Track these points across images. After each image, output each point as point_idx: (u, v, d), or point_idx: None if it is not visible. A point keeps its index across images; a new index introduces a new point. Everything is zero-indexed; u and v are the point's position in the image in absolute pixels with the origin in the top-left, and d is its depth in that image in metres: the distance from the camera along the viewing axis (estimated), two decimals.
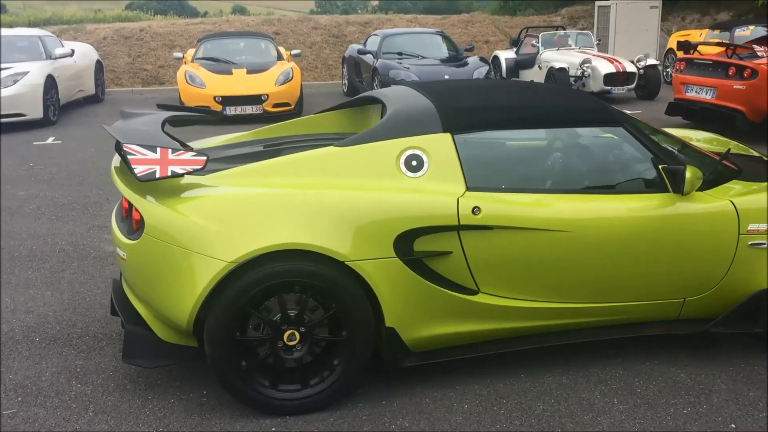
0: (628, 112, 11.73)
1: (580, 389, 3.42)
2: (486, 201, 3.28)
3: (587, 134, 3.78)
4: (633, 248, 3.41)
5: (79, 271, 5.03)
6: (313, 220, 3.11)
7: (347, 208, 3.17)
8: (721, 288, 3.55)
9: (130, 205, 3.25)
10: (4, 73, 10.87)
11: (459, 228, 3.24)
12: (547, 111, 3.72)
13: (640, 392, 3.38)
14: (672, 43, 16.05)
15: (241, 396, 3.20)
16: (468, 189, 3.31)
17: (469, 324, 3.38)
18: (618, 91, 12.94)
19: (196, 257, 3.06)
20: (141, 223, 3.16)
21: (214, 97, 11.42)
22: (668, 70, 15.30)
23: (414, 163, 3.34)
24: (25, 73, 10.98)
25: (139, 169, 3.07)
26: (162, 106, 4.20)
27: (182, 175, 3.13)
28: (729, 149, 3.92)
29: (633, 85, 13.02)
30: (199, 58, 12.78)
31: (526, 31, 15.46)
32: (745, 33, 13.53)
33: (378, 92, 4.12)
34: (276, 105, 11.62)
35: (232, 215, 3.11)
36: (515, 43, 15.56)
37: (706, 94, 9.27)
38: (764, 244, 3.51)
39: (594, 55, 13.47)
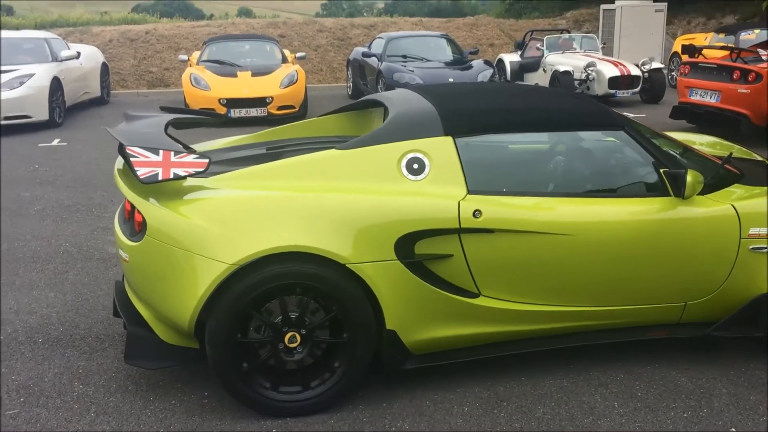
0: (633, 115, 11.75)
1: (580, 392, 3.42)
2: (487, 204, 3.29)
3: (589, 138, 3.79)
4: (634, 252, 3.42)
5: (82, 272, 5.06)
6: (315, 222, 3.13)
7: (348, 210, 3.18)
8: (722, 292, 3.55)
9: (133, 207, 3.27)
10: (10, 75, 10.92)
11: (460, 231, 3.25)
12: (549, 114, 3.73)
13: (640, 396, 3.38)
14: (677, 46, 16.04)
15: (242, 397, 3.21)
16: (469, 192, 3.32)
17: (470, 327, 3.39)
18: (622, 94, 12.94)
19: (198, 259, 3.07)
20: (143, 225, 3.17)
21: (219, 100, 11.45)
22: (673, 73, 15.29)
23: (415, 166, 3.35)
24: (31, 75, 11.05)
25: (142, 172, 3.09)
26: (165, 109, 4.23)
27: (184, 177, 3.15)
28: (731, 153, 3.92)
29: (638, 89, 13.01)
30: (204, 61, 12.83)
31: (531, 35, 15.47)
32: (751, 36, 13.50)
33: (380, 95, 4.14)
34: (280, 107, 11.65)
35: (233, 217, 3.12)
36: (520, 46, 15.57)
37: (711, 97, 9.26)
38: (765, 248, 3.50)
39: (599, 58, 13.47)
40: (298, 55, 14.24)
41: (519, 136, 3.84)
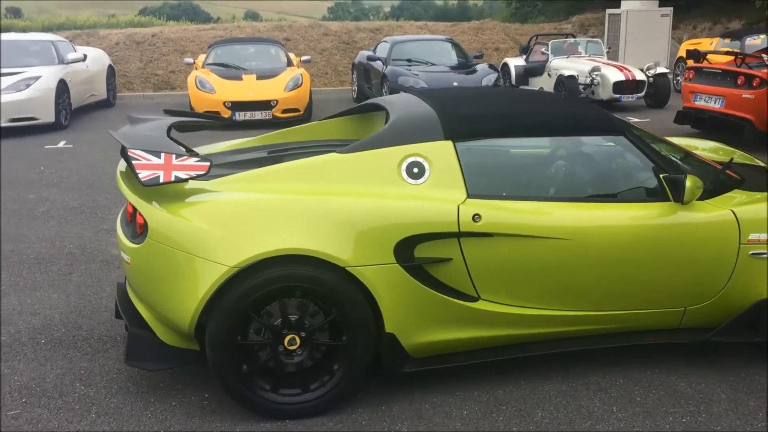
0: (637, 120, 11.76)
1: (579, 397, 3.43)
2: (486, 208, 3.30)
3: (589, 143, 3.80)
4: (633, 257, 3.42)
5: (86, 274, 5.09)
6: (315, 225, 3.15)
7: (349, 214, 3.20)
8: (722, 297, 3.55)
9: (135, 209, 3.29)
10: (17, 78, 10.98)
11: (459, 235, 3.26)
12: (549, 119, 3.74)
13: (639, 401, 3.39)
14: (683, 51, 16.02)
15: (242, 399, 3.23)
16: (469, 196, 3.33)
17: (469, 331, 3.40)
18: (627, 99, 12.92)
19: (199, 261, 3.09)
20: (145, 227, 3.20)
21: (224, 103, 11.49)
22: (678, 78, 15.27)
23: (415, 170, 3.37)
24: (37, 78, 11.10)
25: (144, 174, 3.11)
26: (169, 112, 4.25)
27: (186, 180, 3.17)
28: (732, 159, 3.93)
29: (642, 93, 13.00)
30: (210, 64, 12.87)
31: (536, 39, 15.47)
32: (756, 42, 13.47)
33: (382, 99, 4.16)
34: (285, 111, 11.68)
35: (234, 220, 3.14)
36: (525, 50, 15.57)
37: (715, 102, 9.26)
38: (765, 253, 3.51)
39: (603, 62, 13.47)
40: (303, 58, 14.26)
41: (519, 141, 3.86)
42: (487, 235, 3.29)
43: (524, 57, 15.26)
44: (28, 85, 10.91)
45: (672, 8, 18.27)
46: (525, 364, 3.64)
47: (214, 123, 4.53)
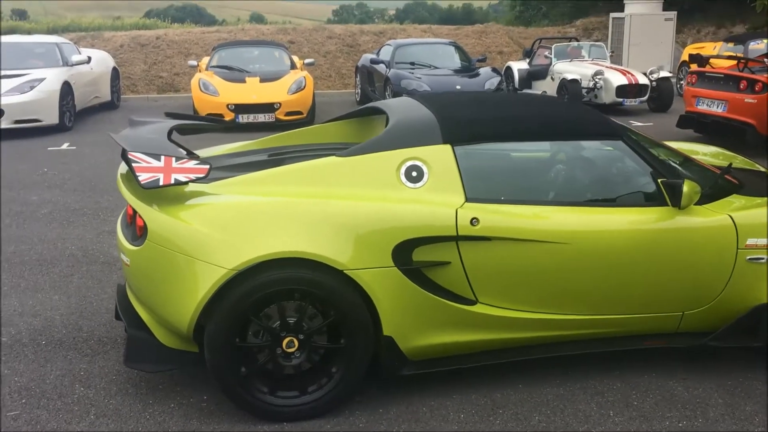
0: (640, 124, 11.76)
1: (576, 401, 3.43)
2: (485, 212, 3.31)
3: (587, 147, 3.81)
4: (631, 261, 3.43)
5: (87, 275, 5.11)
6: (313, 228, 3.16)
7: (347, 217, 3.21)
8: (719, 302, 3.56)
9: (135, 211, 3.31)
10: (21, 80, 11.04)
11: (457, 239, 3.28)
12: (547, 123, 3.76)
13: (636, 405, 3.40)
14: (686, 55, 16.01)
15: (240, 401, 3.24)
16: (467, 200, 3.35)
17: (467, 334, 3.41)
18: (630, 103, 12.92)
19: (198, 264, 3.11)
20: (144, 229, 3.22)
21: (227, 105, 11.52)
22: (682, 82, 15.26)
23: (414, 173, 3.38)
24: (41, 80, 11.15)
25: (143, 177, 3.13)
26: (170, 115, 4.28)
27: (185, 183, 3.19)
28: (731, 164, 3.93)
29: (645, 98, 13.00)
30: (213, 66, 12.92)
31: (540, 42, 15.48)
32: (760, 46, 13.46)
33: (382, 103, 4.18)
34: (288, 113, 11.71)
35: (233, 223, 3.16)
36: (528, 54, 15.58)
37: (717, 107, 9.26)
38: (763, 258, 3.51)
39: (606, 66, 13.47)
40: (307, 61, 14.30)
41: (517, 145, 3.87)
42: (485, 238, 3.30)
43: (527, 60, 15.28)
44: (32, 87, 10.96)
45: (676, 12, 18.27)
46: (523, 368, 3.65)
47: (216, 126, 4.55)
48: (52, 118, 11.12)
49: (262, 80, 12.11)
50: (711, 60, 10.01)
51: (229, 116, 11.46)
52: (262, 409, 3.25)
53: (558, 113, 3.93)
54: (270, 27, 22.61)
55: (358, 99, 15.14)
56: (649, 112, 13.28)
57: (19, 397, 3.48)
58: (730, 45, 14.08)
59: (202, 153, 4.28)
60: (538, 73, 14.49)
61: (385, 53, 13.91)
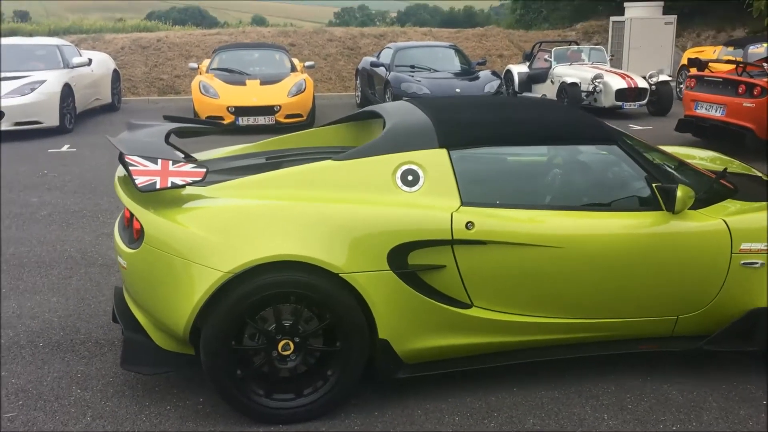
0: (639, 127, 11.77)
1: (571, 404, 3.45)
2: (480, 216, 3.33)
3: (582, 152, 3.83)
4: (625, 265, 3.45)
5: (85, 277, 5.13)
6: (309, 232, 3.18)
7: (343, 220, 3.23)
8: (714, 306, 3.57)
9: (132, 214, 3.33)
10: (22, 82, 11.07)
11: (453, 242, 3.29)
12: (542, 128, 3.77)
13: (630, 408, 3.41)
14: (686, 59, 16.03)
15: (236, 404, 3.25)
16: (463, 204, 3.36)
17: (463, 337, 3.43)
18: (629, 106, 12.95)
19: (194, 267, 3.13)
20: (141, 232, 3.23)
21: (228, 108, 11.55)
22: (681, 86, 15.28)
23: (410, 177, 3.40)
24: (42, 82, 11.19)
25: (140, 180, 3.15)
26: (168, 118, 4.30)
27: (182, 186, 3.21)
28: (725, 168, 3.95)
29: (645, 101, 13.02)
30: (214, 69, 12.95)
31: (540, 46, 15.51)
32: (759, 50, 13.48)
33: (379, 107, 4.20)
34: (288, 116, 11.74)
35: (229, 226, 3.18)
36: (528, 57, 15.61)
37: (716, 111, 9.27)
38: (757, 263, 3.53)
39: (606, 70, 13.50)
40: (307, 64, 14.34)
41: (513, 149, 3.88)
42: (481, 242, 3.31)
43: (527, 64, 15.31)
44: (33, 89, 11.00)
45: (676, 16, 18.30)
46: (518, 371, 3.67)
47: (214, 129, 4.57)
48: (52, 120, 11.15)
49: (263, 83, 12.14)
50: (710, 64, 10.03)
51: (229, 119, 11.49)
52: (258, 412, 3.27)
53: (553, 118, 3.95)
54: (271, 29, 22.64)
55: (358, 102, 15.17)
56: (649, 115, 13.30)
57: (16, 398, 3.50)
58: (730, 49, 14.10)
59: (200, 156, 4.30)
60: (538, 77, 14.52)
61: (386, 56, 13.95)
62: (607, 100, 12.87)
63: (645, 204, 3.56)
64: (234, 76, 12.47)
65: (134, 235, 3.31)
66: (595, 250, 3.41)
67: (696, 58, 10.19)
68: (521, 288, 3.41)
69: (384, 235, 3.24)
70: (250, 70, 12.95)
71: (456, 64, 13.69)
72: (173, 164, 3.24)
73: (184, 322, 3.14)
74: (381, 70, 13.36)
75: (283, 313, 3.23)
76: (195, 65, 14.32)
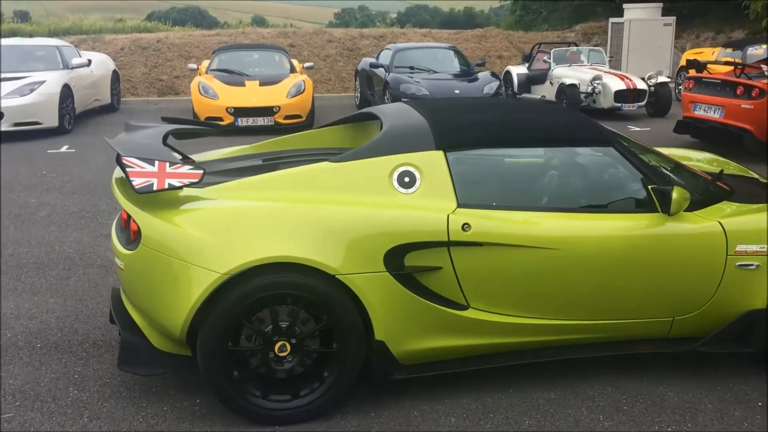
0: (638, 129, 11.79)
1: (567, 405, 3.46)
2: (476, 218, 3.34)
3: (579, 153, 3.84)
4: (621, 267, 3.46)
5: (83, 278, 5.14)
6: (306, 233, 3.19)
7: (339, 222, 3.24)
8: (709, 308, 3.58)
9: (129, 216, 3.34)
10: (22, 82, 11.09)
11: (449, 244, 3.30)
12: (538, 130, 3.79)
13: (626, 410, 3.42)
14: (685, 60, 16.05)
15: (233, 405, 3.26)
16: (459, 206, 3.37)
17: (459, 339, 3.44)
18: (628, 107, 12.97)
19: (191, 268, 3.13)
20: (138, 234, 3.24)
21: (227, 109, 11.56)
22: (680, 87, 15.29)
23: (407, 179, 3.41)
24: (41, 82, 11.20)
25: (137, 182, 3.16)
26: (166, 119, 4.31)
27: (179, 187, 3.22)
28: (722, 170, 3.96)
29: (643, 102, 13.04)
30: (213, 70, 12.95)
31: (539, 47, 15.52)
32: (758, 52, 13.49)
33: (376, 108, 4.21)
34: (287, 117, 11.74)
35: (226, 228, 3.19)
36: (527, 58, 15.62)
37: (714, 112, 9.29)
38: (753, 265, 3.54)
39: (605, 71, 13.52)
40: (306, 65, 14.35)
41: (509, 151, 3.89)
42: (477, 244, 3.32)
43: (527, 65, 15.32)
44: (32, 90, 11.01)
45: (675, 17, 18.32)
46: (514, 372, 3.68)
47: (212, 130, 4.57)
48: (51, 120, 11.16)
49: (262, 84, 12.15)
50: (708, 65, 10.05)
51: (228, 119, 11.50)
52: (255, 413, 3.28)
53: (549, 120, 3.96)
54: (270, 30, 22.65)
55: (357, 103, 15.18)
56: (648, 117, 13.31)
57: (14, 399, 3.51)
58: (729, 50, 14.11)
59: (198, 157, 4.31)
60: (537, 78, 14.54)
61: (385, 57, 13.95)
62: (606, 102, 12.89)
63: (641, 206, 3.57)
64: (233, 77, 12.48)
65: (131, 236, 3.32)
66: (591, 251, 3.42)
67: (694, 60, 10.21)
68: (517, 289, 3.42)
69: (380, 236, 3.25)
70: (250, 71, 12.96)
71: (455, 66, 13.70)
72: (170, 166, 3.25)
73: (181, 324, 3.14)
74: (380, 71, 13.37)
75: (280, 314, 3.24)
76: (194, 66, 14.33)
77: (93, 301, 4.71)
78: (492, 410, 3.41)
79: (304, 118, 11.94)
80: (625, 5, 18.82)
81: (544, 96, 14.02)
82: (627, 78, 13.13)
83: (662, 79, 13.35)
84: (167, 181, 3.19)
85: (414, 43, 17.76)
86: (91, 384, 3.64)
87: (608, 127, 3.94)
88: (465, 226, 3.30)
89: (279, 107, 11.65)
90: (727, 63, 9.95)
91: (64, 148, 10.35)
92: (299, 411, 3.30)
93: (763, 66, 9.56)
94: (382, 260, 3.24)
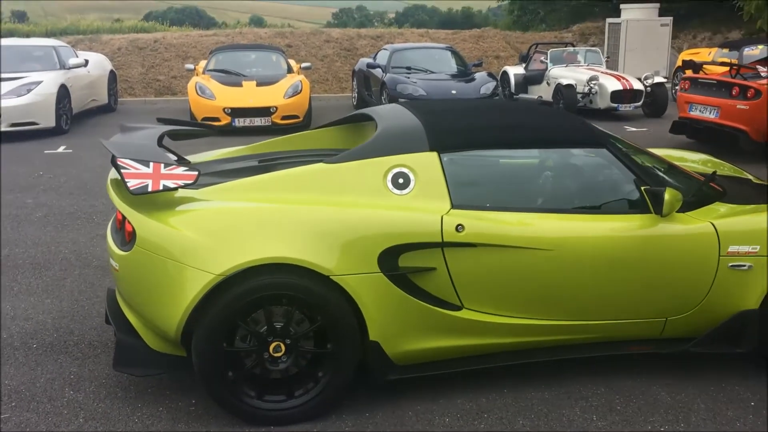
0: (634, 129, 11.81)
1: (561, 405, 3.47)
2: (470, 219, 3.36)
3: (572, 155, 3.85)
4: (614, 267, 3.47)
5: (79, 279, 5.15)
6: (300, 234, 3.20)
7: (334, 223, 3.25)
8: (702, 308, 3.60)
9: (124, 217, 3.35)
10: (18, 83, 11.09)
11: (443, 245, 3.32)
12: (532, 132, 3.80)
13: (619, 410, 3.43)
14: (681, 61, 16.08)
15: (228, 406, 3.28)
16: (453, 207, 3.39)
17: (453, 339, 3.45)
18: (625, 108, 13.00)
19: (186, 269, 3.15)
20: (133, 235, 3.25)
21: (224, 109, 11.56)
22: (677, 87, 15.31)
23: (401, 180, 3.42)
24: (38, 83, 11.20)
25: (132, 183, 3.17)
26: (162, 120, 4.32)
27: (174, 189, 3.23)
28: (715, 171, 3.98)
29: (640, 103, 13.07)
30: (210, 70, 12.96)
31: (536, 47, 15.55)
32: (755, 52, 13.52)
33: (371, 110, 4.22)
34: (284, 117, 11.76)
35: (221, 229, 3.20)
36: (524, 59, 15.65)
37: (710, 113, 9.31)
38: (745, 266, 3.55)
39: (602, 72, 13.54)
40: (304, 65, 14.36)
41: (503, 153, 3.91)
42: (471, 245, 3.34)
43: (524, 65, 15.34)
44: (29, 90, 11.01)
45: (672, 18, 18.34)
46: (508, 372, 3.69)
47: (208, 131, 4.59)
48: (48, 121, 11.17)
49: (259, 84, 12.16)
50: (704, 66, 10.07)
51: (225, 120, 11.51)
52: (250, 413, 3.29)
53: (542, 121, 3.98)
54: (268, 31, 22.66)
55: (354, 103, 15.19)
56: (644, 117, 13.34)
57: (9, 400, 3.52)
58: (725, 51, 14.15)
59: (194, 158, 4.32)
60: (534, 78, 14.56)
61: (382, 57, 13.97)
62: (603, 102, 12.91)
63: (634, 207, 3.58)
64: (230, 78, 12.49)
65: (126, 237, 3.33)
66: (584, 252, 3.44)
67: (690, 60, 10.23)
68: (511, 290, 3.44)
69: (375, 237, 3.26)
70: (247, 71, 12.97)
71: (452, 66, 13.72)
72: (165, 167, 3.27)
73: (176, 324, 3.16)
74: (377, 72, 13.38)
75: (275, 315, 3.25)
76: (192, 66, 14.33)
77: (89, 302, 4.72)
78: (486, 410, 3.43)
79: (301, 119, 11.95)
80: (622, 6, 18.85)
81: (540, 96, 14.04)
82: (624, 78, 13.16)
83: (659, 79, 13.38)
84: (162, 183, 3.20)
85: (411, 43, 17.79)
86: (87, 384, 3.65)
87: (605, 127, 3.96)
88: (459, 227, 3.32)
89: (276, 108, 11.66)
90: (722, 64, 9.98)
91: (61, 149, 10.35)
92: (294, 411, 3.31)
93: (758, 66, 9.58)
94: (377, 261, 3.25)
